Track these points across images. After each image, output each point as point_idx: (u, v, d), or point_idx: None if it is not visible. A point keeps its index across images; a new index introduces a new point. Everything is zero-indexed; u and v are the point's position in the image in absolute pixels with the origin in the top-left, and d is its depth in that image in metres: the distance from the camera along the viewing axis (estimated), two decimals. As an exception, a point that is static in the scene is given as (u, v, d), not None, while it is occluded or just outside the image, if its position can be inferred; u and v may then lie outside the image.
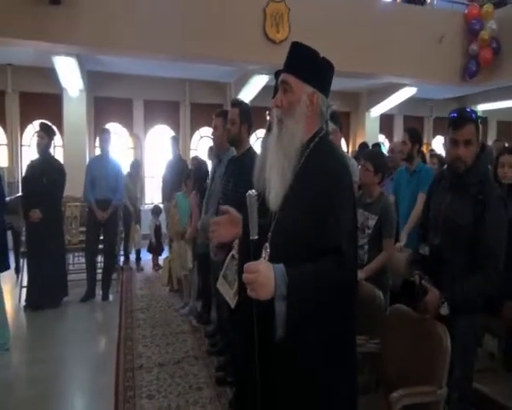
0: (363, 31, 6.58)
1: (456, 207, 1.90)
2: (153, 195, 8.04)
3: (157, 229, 6.24)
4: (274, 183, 1.38)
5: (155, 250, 6.23)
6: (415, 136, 3.41)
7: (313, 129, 1.42)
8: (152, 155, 8.13)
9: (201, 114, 7.95)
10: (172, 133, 7.96)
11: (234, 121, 2.76)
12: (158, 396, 2.85)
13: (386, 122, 9.47)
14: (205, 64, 6.45)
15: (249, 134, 2.87)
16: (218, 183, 3.12)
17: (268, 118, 2.13)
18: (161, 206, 6.32)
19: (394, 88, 7.94)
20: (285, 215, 1.36)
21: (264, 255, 1.39)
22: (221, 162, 3.19)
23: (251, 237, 1.19)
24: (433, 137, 10.18)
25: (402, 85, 7.79)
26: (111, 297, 4.83)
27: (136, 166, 6.28)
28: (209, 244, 3.26)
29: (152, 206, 6.49)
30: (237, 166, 2.74)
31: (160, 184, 6.82)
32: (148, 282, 5.58)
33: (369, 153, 3.48)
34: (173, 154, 6.27)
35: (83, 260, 5.13)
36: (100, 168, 4.66)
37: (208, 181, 4.33)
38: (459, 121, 1.87)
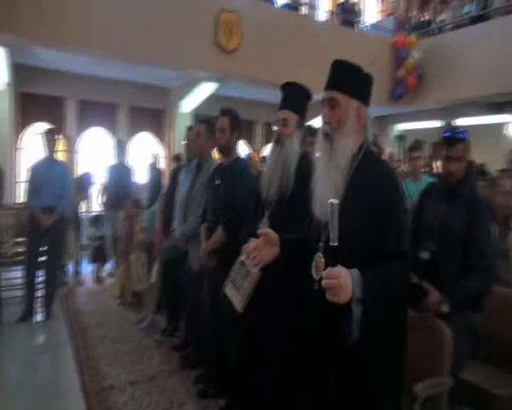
0: (302, 46, 6.90)
1: (451, 215, 2.12)
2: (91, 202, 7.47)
3: (100, 239, 5.84)
4: (325, 195, 1.44)
5: (99, 262, 5.82)
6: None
7: (359, 141, 1.51)
8: (86, 159, 7.58)
9: (141, 119, 7.64)
10: (109, 137, 7.54)
11: (224, 130, 2.74)
12: (140, 417, 2.68)
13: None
14: (149, 67, 6.24)
15: (237, 143, 2.87)
16: (199, 191, 3.05)
17: (275, 129, 2.18)
18: (103, 214, 5.94)
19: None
20: (343, 222, 1.41)
21: (319, 263, 1.44)
22: (201, 170, 3.13)
23: (331, 243, 1.22)
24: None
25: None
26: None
27: (88, 180, 5.84)
28: (185, 252, 3.18)
29: (93, 215, 6.05)
30: (228, 175, 2.71)
31: (99, 191, 6.42)
32: (92, 296, 5.17)
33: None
34: (118, 159, 5.95)
35: (15, 274, 4.59)
36: (44, 173, 4.23)
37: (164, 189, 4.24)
38: (452, 140, 2.12)
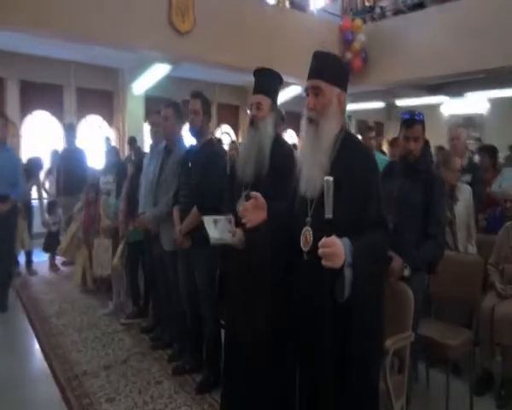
0: (254, 29, 6.95)
1: (408, 189, 2.36)
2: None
3: (53, 226, 5.61)
4: (312, 175, 1.59)
5: (53, 249, 5.61)
6: None
7: (339, 124, 1.66)
8: (31, 143, 7.15)
9: (90, 101, 7.32)
10: (56, 120, 7.18)
11: (197, 112, 2.78)
12: (119, 398, 2.71)
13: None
14: (98, 46, 5.97)
15: (208, 125, 2.91)
16: (169, 173, 3.08)
17: (249, 113, 2.27)
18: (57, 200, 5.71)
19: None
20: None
21: (307, 237, 1.58)
22: (171, 153, 3.14)
23: (326, 216, 1.36)
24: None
25: (289, 84, 8.48)
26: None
27: (38, 165, 5.53)
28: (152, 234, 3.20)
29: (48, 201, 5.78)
30: (201, 157, 2.77)
31: (45, 177, 6.15)
32: (50, 285, 5.01)
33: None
34: (69, 143, 5.71)
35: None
36: (-7, 160, 4.00)
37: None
38: (411, 122, 2.34)
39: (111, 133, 7.57)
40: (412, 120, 2.34)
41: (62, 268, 5.71)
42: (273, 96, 2.31)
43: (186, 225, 2.75)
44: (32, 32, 5.29)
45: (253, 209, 1.70)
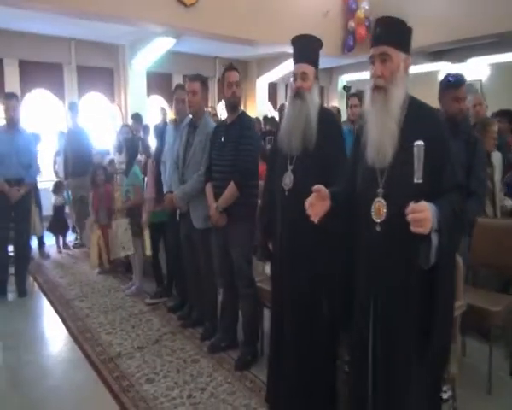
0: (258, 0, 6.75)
1: (455, 149, 2.32)
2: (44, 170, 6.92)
3: (60, 207, 5.50)
4: (382, 144, 1.52)
5: (59, 231, 5.52)
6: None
7: (405, 89, 1.58)
8: (31, 122, 6.92)
9: (90, 79, 7.08)
10: (55, 99, 6.95)
11: (238, 84, 2.74)
12: (158, 378, 2.69)
13: (270, 91, 9.98)
14: (99, 21, 5.72)
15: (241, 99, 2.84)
16: (197, 150, 2.99)
17: (294, 85, 2.16)
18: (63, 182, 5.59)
19: (283, 58, 8.40)
20: (398, 170, 1.51)
21: (380, 207, 1.53)
22: (197, 129, 3.04)
23: (416, 181, 1.32)
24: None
25: (290, 55, 8.28)
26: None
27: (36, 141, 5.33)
28: (182, 213, 3.13)
29: (53, 183, 5.64)
30: (234, 132, 2.68)
31: (54, 158, 6.00)
32: (65, 268, 4.94)
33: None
34: (73, 123, 5.54)
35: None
36: (7, 142, 3.84)
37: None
38: (459, 83, 2.41)
39: (112, 110, 7.37)
40: (460, 80, 2.41)
41: (73, 250, 5.63)
42: (316, 63, 2.21)
43: (223, 201, 2.68)
44: (29, 6, 5.03)
45: (317, 202, 1.64)
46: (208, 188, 2.83)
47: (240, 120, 2.71)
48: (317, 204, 1.65)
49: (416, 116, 1.54)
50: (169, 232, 3.64)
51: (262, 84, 9.32)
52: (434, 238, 1.35)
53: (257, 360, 2.84)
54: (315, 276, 2.08)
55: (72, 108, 5.47)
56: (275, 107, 10.29)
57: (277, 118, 7.95)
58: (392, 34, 1.54)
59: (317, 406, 2.13)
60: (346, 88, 11.12)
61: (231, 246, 2.77)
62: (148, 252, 3.84)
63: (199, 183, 2.94)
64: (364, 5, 7.85)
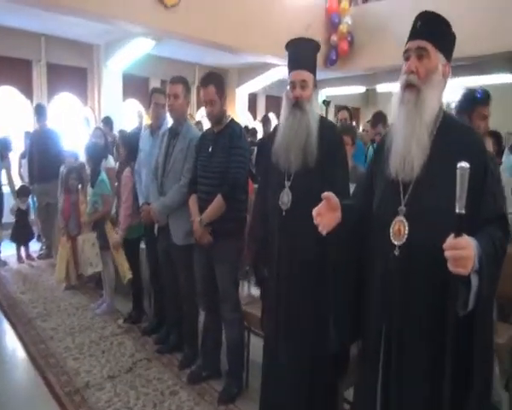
0: (240, 8, 6.59)
1: None
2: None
3: (23, 213, 5.07)
4: (409, 153, 1.33)
5: (23, 239, 5.09)
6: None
7: (441, 99, 1.41)
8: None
9: (62, 78, 6.67)
10: (23, 97, 6.51)
11: (213, 101, 2.46)
12: (132, 414, 2.41)
13: (250, 101, 9.82)
14: (73, 17, 5.37)
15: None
16: (178, 158, 2.74)
17: (293, 93, 1.96)
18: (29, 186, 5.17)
19: (264, 68, 8.27)
20: (425, 187, 1.32)
21: (401, 228, 1.34)
22: (178, 136, 2.79)
23: (458, 211, 1.11)
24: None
25: (272, 65, 8.17)
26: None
27: (6, 145, 4.93)
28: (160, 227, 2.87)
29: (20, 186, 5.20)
30: (223, 141, 2.45)
31: (19, 161, 5.58)
32: (27, 282, 4.50)
33: (346, 127, 3.52)
34: (40, 124, 5.15)
35: None
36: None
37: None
38: (487, 99, 2.27)
39: (85, 113, 6.97)
40: (489, 96, 2.27)
41: (37, 262, 5.20)
42: (315, 70, 2.03)
43: (208, 215, 2.44)
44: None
45: (327, 212, 1.42)
46: (192, 200, 2.58)
47: (230, 129, 2.49)
48: (326, 214, 1.43)
49: (450, 132, 1.35)
50: (148, 247, 3.35)
51: (242, 93, 9.15)
52: (474, 280, 1.14)
53: (242, 393, 2.60)
54: (318, 308, 1.88)
55: (39, 108, 5.08)
56: (254, 117, 10.15)
57: (259, 129, 7.80)
58: (433, 30, 1.35)
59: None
60: (326, 102, 11.11)
61: (216, 265, 2.52)
62: (128, 275, 3.51)
63: (180, 194, 2.69)
64: (347, 20, 7.84)
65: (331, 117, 11.54)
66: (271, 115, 9.89)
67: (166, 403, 2.50)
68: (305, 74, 1.96)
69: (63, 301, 3.99)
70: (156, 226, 2.90)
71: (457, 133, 1.35)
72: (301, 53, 2.02)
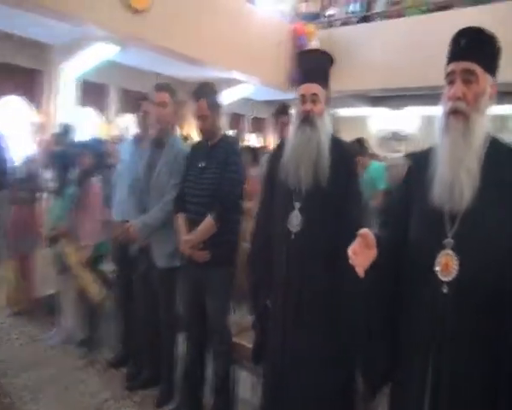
0: (214, 20, 6.50)
1: None
2: None
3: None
4: (457, 182, 1.22)
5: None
6: None
7: (488, 124, 1.31)
8: None
9: (9, 80, 6.08)
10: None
11: (205, 116, 2.29)
12: None
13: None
14: (25, 12, 4.90)
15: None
16: (162, 172, 2.48)
17: (302, 108, 1.83)
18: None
19: (230, 84, 8.15)
20: (476, 217, 1.21)
21: (450, 262, 1.22)
22: (163, 148, 2.55)
23: None
24: (251, 134, 11.03)
25: (237, 82, 8.07)
26: None
27: None
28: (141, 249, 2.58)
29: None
30: (218, 156, 2.25)
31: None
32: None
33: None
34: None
35: None
36: None
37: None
38: None
39: (37, 119, 6.39)
40: None
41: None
42: (328, 84, 1.91)
43: (199, 235, 2.21)
44: None
45: (362, 250, 1.28)
46: (180, 219, 2.33)
47: (225, 144, 2.30)
48: (362, 253, 1.28)
49: (499, 157, 1.26)
50: (119, 269, 3.02)
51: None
52: None
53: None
54: (333, 340, 1.71)
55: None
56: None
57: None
58: (481, 50, 1.25)
59: None
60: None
61: (207, 294, 2.29)
62: (103, 293, 3.13)
63: (163, 212, 2.44)
64: (315, 42, 7.96)
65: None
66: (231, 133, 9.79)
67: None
68: (317, 88, 1.83)
69: (11, 330, 3.48)
70: (135, 247, 2.60)
71: (507, 157, 1.26)
72: (313, 65, 1.88)
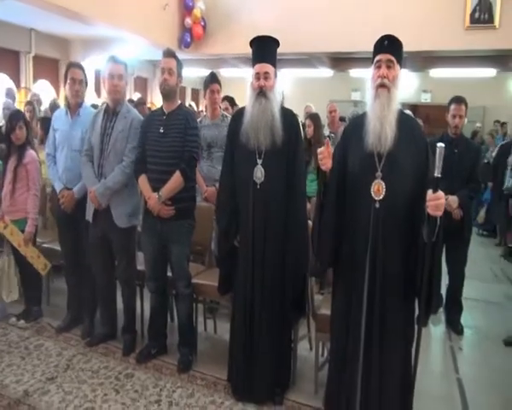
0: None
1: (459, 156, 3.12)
2: None
3: None
4: (384, 131, 1.82)
5: None
6: None
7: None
8: None
9: None
10: None
11: (172, 72, 2.49)
12: (98, 405, 2.31)
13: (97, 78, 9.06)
14: None
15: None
16: (119, 138, 2.64)
17: (256, 84, 2.26)
18: None
19: (113, 42, 7.77)
20: (396, 156, 1.82)
21: (380, 188, 1.84)
22: (117, 116, 2.68)
23: (436, 175, 1.64)
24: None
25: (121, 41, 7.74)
26: None
27: None
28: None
29: None
30: (180, 121, 2.52)
31: None
32: None
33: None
34: None
35: None
36: None
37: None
38: (460, 100, 3.18)
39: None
40: (460, 98, 3.23)
41: None
42: (276, 64, 2.36)
43: (167, 191, 2.50)
44: None
45: (328, 155, 1.87)
46: (143, 180, 2.58)
47: (184, 111, 2.58)
48: (326, 157, 1.87)
49: (403, 117, 1.93)
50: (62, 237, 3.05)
51: (88, 68, 8.34)
52: (439, 220, 1.71)
53: (196, 359, 2.78)
54: (293, 255, 2.29)
55: None
56: (99, 95, 9.39)
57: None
58: (396, 48, 1.89)
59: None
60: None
61: (171, 246, 2.60)
62: (49, 265, 3.10)
63: (123, 175, 2.64)
64: (200, 5, 8.05)
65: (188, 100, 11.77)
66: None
67: (128, 386, 2.49)
68: (269, 67, 2.28)
69: None
70: (92, 211, 2.71)
71: (407, 121, 1.94)
72: (265, 48, 2.33)
